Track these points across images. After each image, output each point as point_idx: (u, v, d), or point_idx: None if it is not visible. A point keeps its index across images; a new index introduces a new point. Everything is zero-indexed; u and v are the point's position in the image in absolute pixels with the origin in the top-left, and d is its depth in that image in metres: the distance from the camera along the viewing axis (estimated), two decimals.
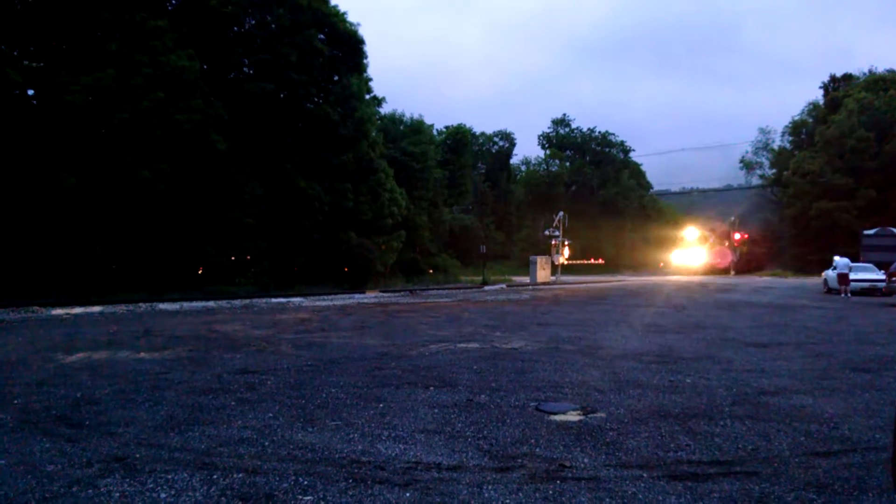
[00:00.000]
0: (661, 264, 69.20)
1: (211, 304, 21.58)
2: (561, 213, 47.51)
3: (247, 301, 22.97)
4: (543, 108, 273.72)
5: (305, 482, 4.20)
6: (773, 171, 69.49)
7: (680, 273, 63.31)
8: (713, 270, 62.48)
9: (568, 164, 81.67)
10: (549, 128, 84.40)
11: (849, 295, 25.36)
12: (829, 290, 27.84)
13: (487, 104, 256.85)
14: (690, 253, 64.89)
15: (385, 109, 49.59)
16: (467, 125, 66.23)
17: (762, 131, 72.75)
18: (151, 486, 4.14)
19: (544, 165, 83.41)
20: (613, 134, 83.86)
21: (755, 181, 77.28)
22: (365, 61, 39.70)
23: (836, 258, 27.50)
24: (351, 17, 38.36)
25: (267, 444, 5.08)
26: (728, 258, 64.36)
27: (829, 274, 28.19)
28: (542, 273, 43.43)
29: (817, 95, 69.58)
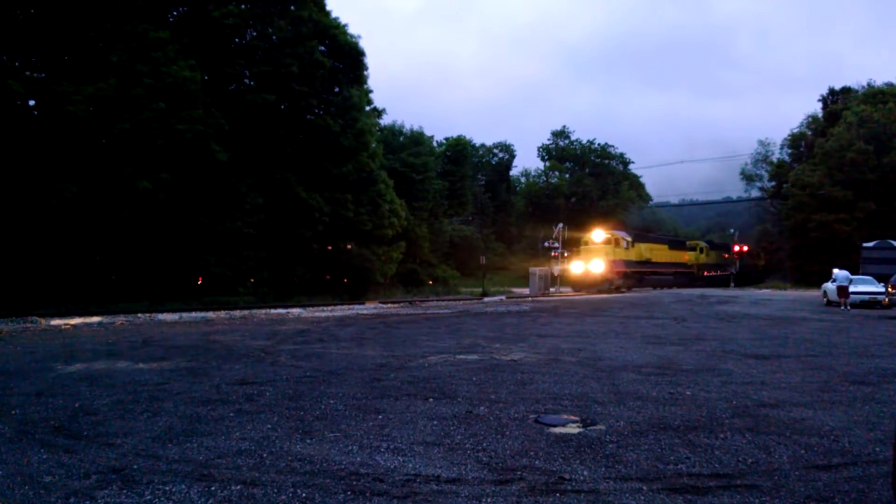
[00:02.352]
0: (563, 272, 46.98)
1: (210, 314, 21.56)
2: (560, 225, 47.54)
3: (246, 311, 22.94)
4: (539, 119, 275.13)
5: (304, 494, 4.19)
6: (773, 183, 69.56)
7: (574, 284, 46.28)
8: (586, 283, 44.74)
9: (567, 175, 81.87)
10: (548, 140, 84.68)
11: (848, 307, 25.34)
12: (829, 303, 27.80)
13: (484, 114, 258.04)
14: (594, 262, 44.41)
15: (385, 120, 49.86)
16: (467, 136, 66.55)
17: (761, 143, 72.90)
18: (149, 497, 4.12)
19: (544, 177, 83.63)
20: (613, 146, 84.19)
21: (755, 193, 77.34)
22: (365, 73, 39.91)
23: (836, 271, 27.48)
24: (350, 30, 38.60)
25: (265, 455, 5.07)
26: (610, 272, 44.69)
27: (829, 286, 28.16)
28: (542, 284, 43.40)
29: (815, 108, 69.83)
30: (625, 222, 67.74)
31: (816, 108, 68.18)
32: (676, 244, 58.52)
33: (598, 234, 46.27)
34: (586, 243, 46.55)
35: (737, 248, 64.13)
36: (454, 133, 66.88)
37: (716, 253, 65.35)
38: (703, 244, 64.19)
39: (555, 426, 6.01)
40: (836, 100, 64.74)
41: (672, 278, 54.03)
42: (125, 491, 4.24)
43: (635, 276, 48.30)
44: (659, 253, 52.65)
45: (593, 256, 44.55)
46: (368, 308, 26.43)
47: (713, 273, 62.97)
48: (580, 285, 45.16)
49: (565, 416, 6.38)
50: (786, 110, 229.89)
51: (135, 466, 4.76)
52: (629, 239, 47.74)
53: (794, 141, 67.25)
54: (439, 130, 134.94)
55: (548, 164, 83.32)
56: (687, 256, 58.81)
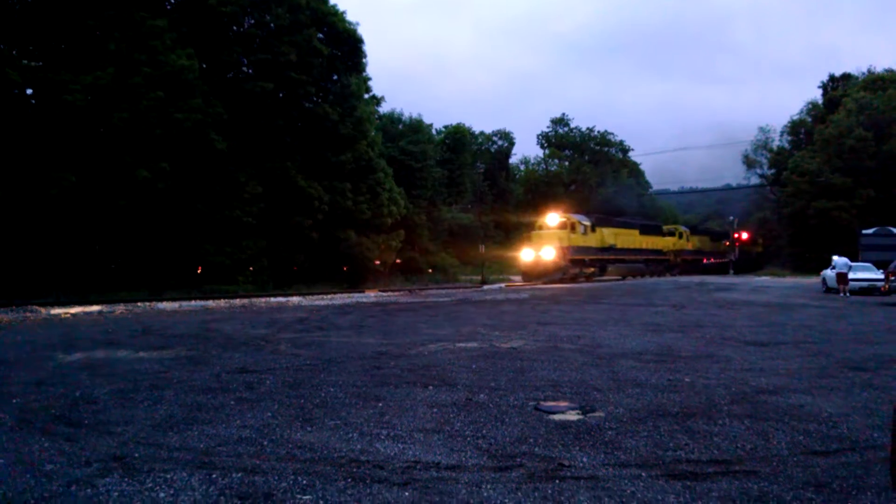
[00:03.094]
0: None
1: (210, 303, 21.58)
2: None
3: (245, 300, 22.96)
4: (537, 109, 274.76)
5: (304, 481, 4.20)
6: (773, 170, 69.35)
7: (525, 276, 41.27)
8: (536, 272, 39.56)
9: (567, 163, 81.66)
10: (547, 127, 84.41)
11: (847, 294, 25.37)
12: (828, 290, 27.84)
13: (481, 104, 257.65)
14: (545, 249, 38.93)
15: (383, 108, 49.72)
16: (466, 124, 66.33)
17: (762, 130, 72.62)
18: (150, 485, 4.14)
19: (543, 165, 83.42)
20: (612, 133, 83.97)
21: (754, 180, 77.14)
22: (364, 60, 39.80)
23: (835, 258, 27.49)
24: (348, 17, 38.40)
25: (266, 443, 5.08)
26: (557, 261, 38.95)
27: (828, 273, 28.20)
28: None
29: (814, 94, 69.86)
30: (588, 206, 64.02)
31: (816, 94, 68.01)
32: (649, 229, 53.28)
33: (551, 218, 40.92)
34: (540, 228, 41.28)
35: (736, 235, 63.71)
36: (447, 122, 66.88)
37: (700, 238, 61.96)
38: (682, 229, 59.62)
39: (554, 413, 6.03)
40: (837, 86, 64.47)
41: (643, 266, 50.15)
42: (126, 479, 4.25)
43: (595, 263, 43.65)
44: (626, 238, 47.77)
45: (545, 243, 39.44)
46: (368, 296, 26.45)
47: (699, 260, 59.22)
48: (530, 275, 40.23)
49: (564, 404, 6.40)
50: (784, 98, 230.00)
51: (136, 454, 4.78)
52: (588, 223, 42.78)
53: (794, 128, 67.02)
54: (437, 121, 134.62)
55: (547, 151, 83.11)
56: (662, 242, 54.57)
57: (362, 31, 41.85)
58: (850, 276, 26.09)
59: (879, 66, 64.85)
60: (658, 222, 59.62)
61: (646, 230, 52.11)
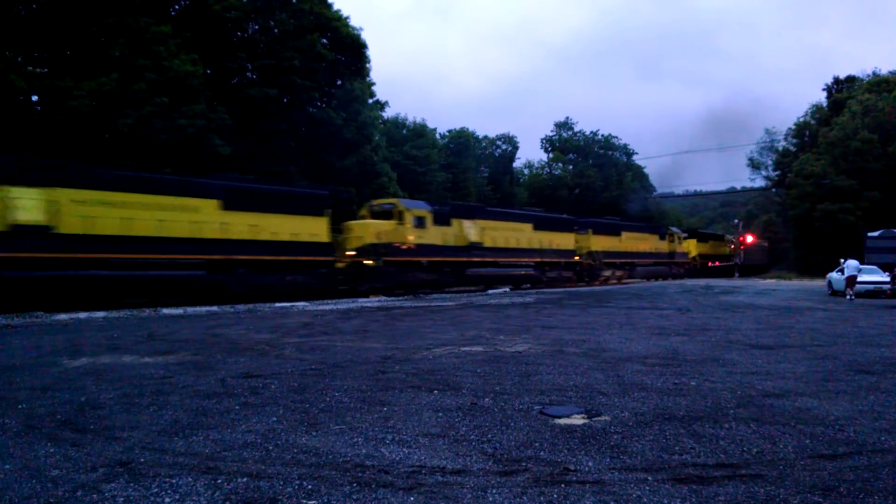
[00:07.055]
0: None
1: (214, 308, 21.58)
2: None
3: (250, 305, 22.96)
4: (530, 113, 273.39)
5: (310, 486, 4.20)
6: (777, 172, 69.22)
7: None
8: None
9: (571, 167, 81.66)
10: (551, 131, 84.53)
11: (853, 297, 25.27)
12: (833, 293, 27.77)
13: (478, 108, 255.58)
14: None
15: (387, 114, 49.83)
16: (469, 129, 66.45)
17: (767, 132, 72.52)
18: (156, 490, 4.14)
19: (547, 168, 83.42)
20: (616, 137, 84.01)
21: (759, 183, 77.07)
22: (367, 65, 39.87)
23: (843, 260, 27.40)
24: (351, 22, 38.52)
25: (271, 448, 5.08)
26: None
27: (834, 276, 28.13)
28: None
29: (810, 97, 69.94)
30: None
31: (811, 97, 68.19)
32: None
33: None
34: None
35: (749, 239, 63.24)
36: (454, 128, 66.93)
37: (507, 225, 34.57)
38: (418, 209, 29.73)
39: (559, 417, 6.01)
40: (841, 89, 64.35)
41: (299, 279, 25.28)
42: (132, 484, 4.25)
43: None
44: (269, 222, 23.75)
45: None
46: (372, 301, 26.43)
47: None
48: None
49: (570, 408, 6.38)
50: (778, 101, 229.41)
51: (141, 460, 4.78)
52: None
53: (799, 130, 66.93)
54: (437, 125, 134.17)
55: (551, 155, 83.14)
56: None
57: (365, 36, 42.00)
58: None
59: (885, 69, 64.73)
60: (301, 188, 27.73)
61: (314, 205, 25.63)
